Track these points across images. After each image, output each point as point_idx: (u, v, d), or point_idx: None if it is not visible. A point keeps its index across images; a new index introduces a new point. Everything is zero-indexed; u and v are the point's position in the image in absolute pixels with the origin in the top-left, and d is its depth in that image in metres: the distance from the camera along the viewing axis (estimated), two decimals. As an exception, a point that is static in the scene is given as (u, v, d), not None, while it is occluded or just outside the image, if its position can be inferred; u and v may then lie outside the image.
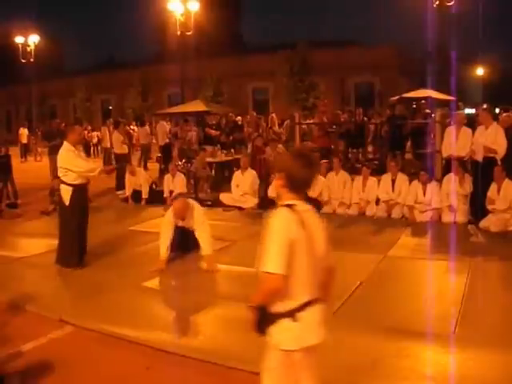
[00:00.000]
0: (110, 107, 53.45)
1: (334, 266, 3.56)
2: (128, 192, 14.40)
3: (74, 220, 8.32)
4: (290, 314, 3.18)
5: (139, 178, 14.57)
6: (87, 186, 8.67)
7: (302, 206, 3.25)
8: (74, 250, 8.31)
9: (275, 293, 3.13)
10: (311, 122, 18.44)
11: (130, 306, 6.46)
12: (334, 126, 17.72)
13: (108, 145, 21.83)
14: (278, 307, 3.19)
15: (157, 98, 45.75)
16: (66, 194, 8.32)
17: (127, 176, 14.51)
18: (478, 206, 10.61)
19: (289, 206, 3.21)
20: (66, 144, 8.42)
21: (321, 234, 3.35)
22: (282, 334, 3.20)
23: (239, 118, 20.97)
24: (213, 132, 19.29)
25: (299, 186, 3.28)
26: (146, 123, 24.17)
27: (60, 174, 8.39)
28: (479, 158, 10.75)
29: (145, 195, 14.28)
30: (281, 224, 3.14)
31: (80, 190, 8.39)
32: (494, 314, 5.93)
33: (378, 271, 7.67)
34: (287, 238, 3.10)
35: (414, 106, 19.35)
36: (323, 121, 16.85)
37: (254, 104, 46.20)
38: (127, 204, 14.27)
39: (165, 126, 21.70)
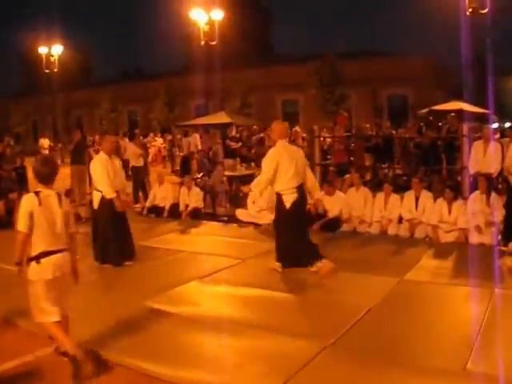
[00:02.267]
0: (138, 118, 53.92)
1: (75, 231, 5.54)
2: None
3: (102, 223, 9.17)
4: (35, 258, 5.15)
5: (162, 191, 14.53)
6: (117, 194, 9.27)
7: (46, 192, 5.23)
8: (105, 249, 9.17)
9: (22, 244, 5.10)
10: (330, 135, 18.05)
11: (120, 326, 6.23)
12: (353, 140, 17.33)
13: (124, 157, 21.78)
14: (30, 254, 5.15)
15: (183, 109, 45.99)
16: (95, 198, 9.30)
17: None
18: (508, 228, 10.17)
19: (36, 192, 5.21)
20: (101, 154, 9.40)
21: (58, 210, 5.26)
22: (32, 271, 5.17)
23: (256, 128, 20.80)
24: (233, 144, 19.13)
25: (42, 179, 5.26)
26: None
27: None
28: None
29: (167, 207, 14.21)
30: (25, 202, 5.15)
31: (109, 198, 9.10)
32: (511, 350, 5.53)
33: (391, 296, 7.31)
34: (27, 210, 5.10)
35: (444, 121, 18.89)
36: (341, 134, 16.49)
37: (284, 117, 46.05)
38: (143, 217, 14.21)
39: (197, 139, 21.60)
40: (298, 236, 8.73)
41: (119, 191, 9.27)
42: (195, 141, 21.34)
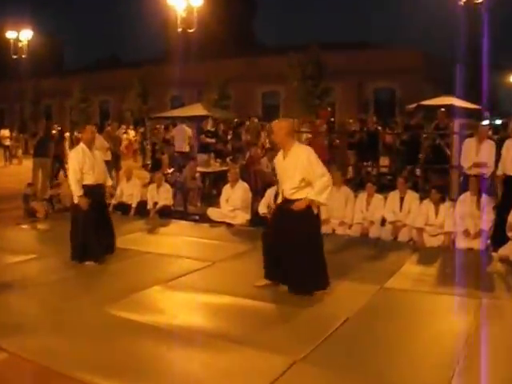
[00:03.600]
0: (109, 109, 53.53)
1: None
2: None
3: (81, 218, 9.06)
4: None
5: (129, 187, 14.28)
6: (102, 187, 9.55)
7: None
8: (79, 243, 9.06)
9: None
10: (307, 130, 17.81)
11: (74, 335, 5.94)
12: (335, 136, 17.15)
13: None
14: None
15: (158, 100, 45.55)
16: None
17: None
18: (499, 232, 10.01)
19: None
20: (80, 145, 9.40)
21: None
22: None
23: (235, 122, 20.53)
24: (208, 139, 18.85)
25: None
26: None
27: None
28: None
29: (134, 205, 13.97)
30: None
31: (89, 191, 9.11)
32: (500, 364, 5.31)
33: (370, 305, 7.08)
34: None
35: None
36: (323, 129, 16.24)
37: (264, 109, 46.00)
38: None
39: (185, 131, 19.76)
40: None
41: (102, 183, 9.52)
42: (182, 133, 20.30)
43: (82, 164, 9.11)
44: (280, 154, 7.76)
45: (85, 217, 9.04)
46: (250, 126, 20.37)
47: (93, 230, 9.11)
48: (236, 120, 21.97)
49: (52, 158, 16.98)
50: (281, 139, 7.59)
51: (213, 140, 18.96)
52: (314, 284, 7.45)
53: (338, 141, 17.02)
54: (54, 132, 22.38)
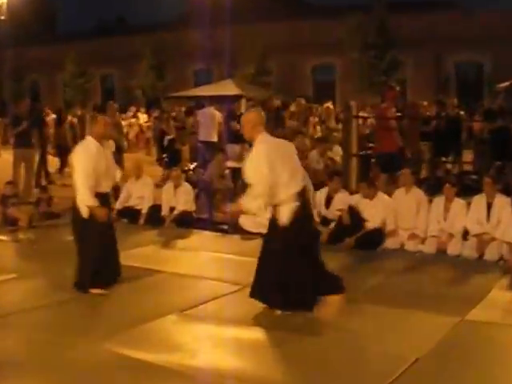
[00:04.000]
0: (114, 86, 53.94)
1: None
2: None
3: (92, 235, 9.00)
4: None
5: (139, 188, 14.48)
6: (108, 195, 9.59)
7: None
8: (88, 268, 9.00)
9: None
10: (368, 115, 17.77)
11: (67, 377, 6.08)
12: (405, 123, 17.05)
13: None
14: None
15: (177, 75, 45.90)
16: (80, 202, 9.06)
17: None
18: None
19: None
20: (88, 139, 9.23)
21: None
22: None
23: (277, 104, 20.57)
24: (238, 126, 18.93)
25: None
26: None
27: None
28: None
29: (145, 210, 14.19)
30: None
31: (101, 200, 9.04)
32: None
33: (448, 343, 7.09)
34: None
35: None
36: (392, 114, 16.11)
37: (314, 88, 45.99)
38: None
39: (213, 115, 20.01)
40: (305, 266, 8.22)
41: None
42: (212, 119, 20.23)
43: (96, 166, 9.02)
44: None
45: (99, 234, 9.04)
46: (296, 110, 20.44)
47: (103, 250, 9.17)
48: (278, 101, 21.99)
49: (42, 148, 17.22)
50: (248, 133, 8.24)
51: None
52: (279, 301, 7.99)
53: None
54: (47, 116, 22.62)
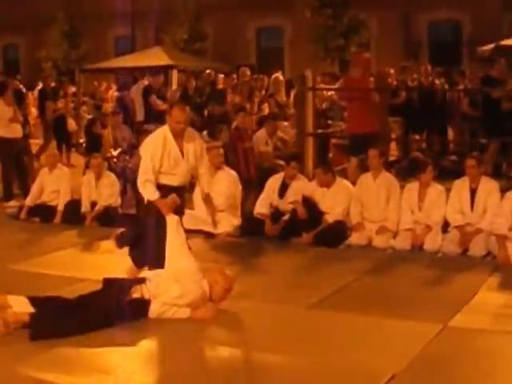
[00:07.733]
0: (19, 57, 53.53)
1: None
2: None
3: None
4: None
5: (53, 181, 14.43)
6: None
7: None
8: None
9: None
10: (333, 87, 17.86)
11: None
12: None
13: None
14: None
15: (95, 42, 45.63)
16: None
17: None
18: None
19: None
20: (164, 128, 9.85)
21: None
22: None
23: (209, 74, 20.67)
24: (159, 104, 18.88)
25: None
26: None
27: None
28: None
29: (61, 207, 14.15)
30: None
31: None
32: None
33: (428, 355, 7.14)
34: None
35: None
36: (366, 85, 16.08)
37: (259, 55, 46.04)
38: (21, 223, 14.13)
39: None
40: None
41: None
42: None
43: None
44: None
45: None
46: (239, 82, 20.48)
47: None
48: (208, 71, 21.98)
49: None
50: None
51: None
52: None
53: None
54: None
